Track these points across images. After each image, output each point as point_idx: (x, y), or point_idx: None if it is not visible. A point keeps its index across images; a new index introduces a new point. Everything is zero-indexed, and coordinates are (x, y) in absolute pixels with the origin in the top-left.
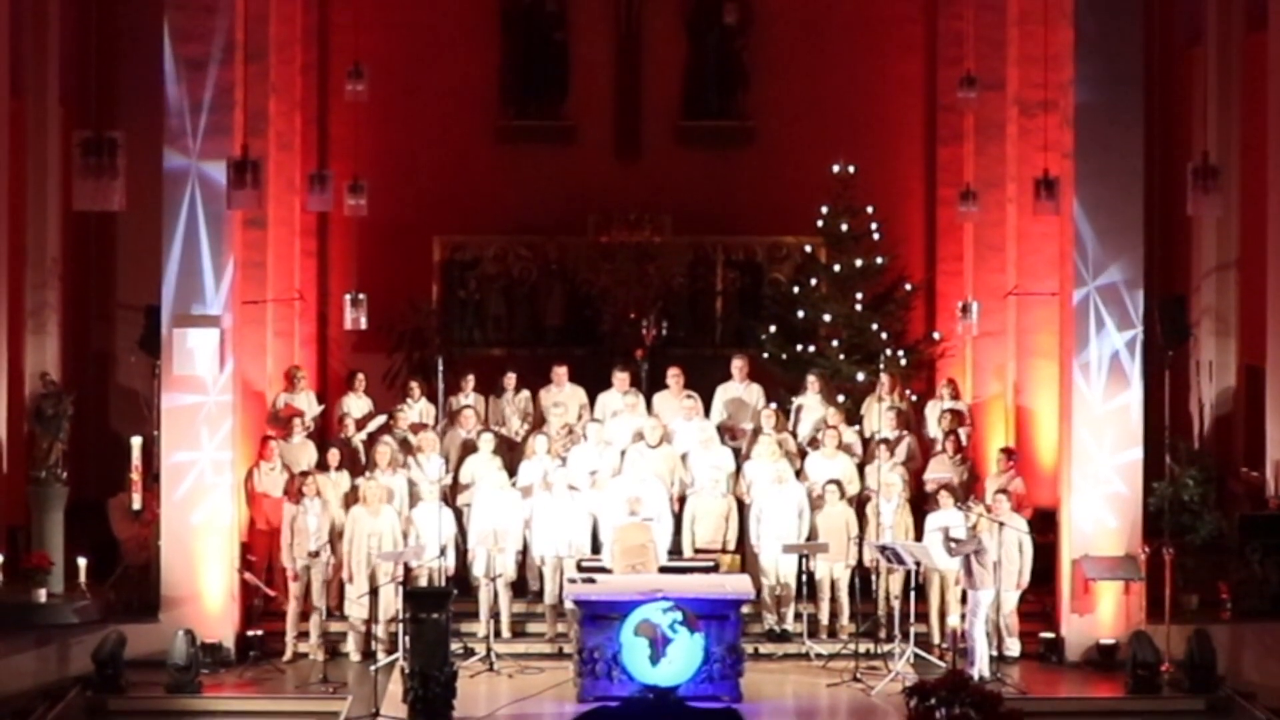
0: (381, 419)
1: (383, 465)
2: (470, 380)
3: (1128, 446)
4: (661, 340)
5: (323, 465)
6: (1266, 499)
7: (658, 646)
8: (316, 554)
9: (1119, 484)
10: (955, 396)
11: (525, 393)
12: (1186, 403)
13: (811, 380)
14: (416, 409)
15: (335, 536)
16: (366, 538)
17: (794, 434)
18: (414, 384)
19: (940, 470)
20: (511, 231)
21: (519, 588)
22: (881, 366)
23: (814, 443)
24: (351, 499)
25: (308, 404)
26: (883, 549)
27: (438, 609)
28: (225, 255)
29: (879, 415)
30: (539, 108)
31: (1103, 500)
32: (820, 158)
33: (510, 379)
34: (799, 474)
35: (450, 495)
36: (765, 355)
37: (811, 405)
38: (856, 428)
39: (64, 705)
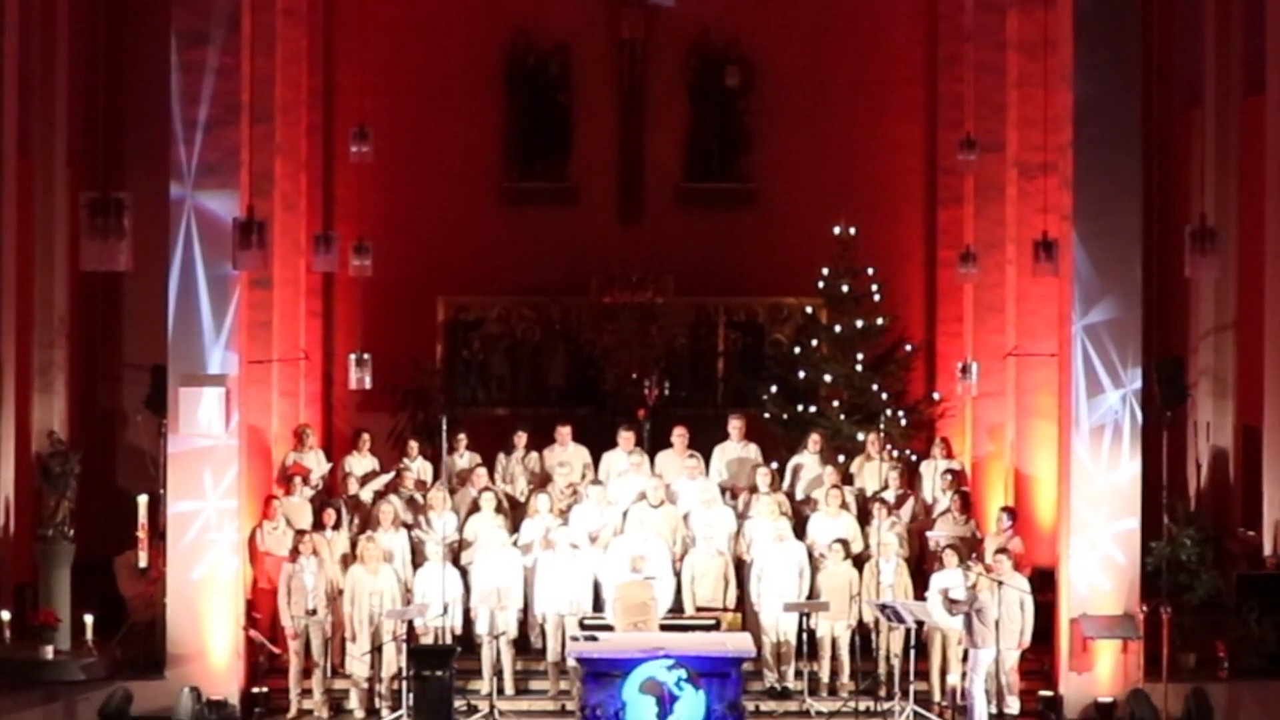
0: (386, 477)
1: (385, 524)
2: (463, 439)
3: (1126, 506)
4: (664, 400)
5: (319, 524)
6: (1263, 559)
7: (665, 704)
8: (314, 612)
9: (1117, 543)
10: (948, 456)
11: (534, 452)
12: (1184, 463)
13: (813, 439)
14: (415, 468)
15: (334, 595)
16: (368, 596)
17: (790, 494)
18: (412, 443)
19: (946, 529)
20: (515, 292)
21: (521, 645)
22: (881, 427)
23: (809, 502)
24: (350, 558)
25: (316, 462)
26: (883, 607)
27: (441, 666)
28: (231, 315)
29: (877, 472)
30: (542, 169)
31: (1101, 559)
32: (821, 219)
33: (520, 438)
34: (796, 533)
35: (455, 553)
36: (766, 415)
37: (810, 464)
38: (853, 488)
39: None
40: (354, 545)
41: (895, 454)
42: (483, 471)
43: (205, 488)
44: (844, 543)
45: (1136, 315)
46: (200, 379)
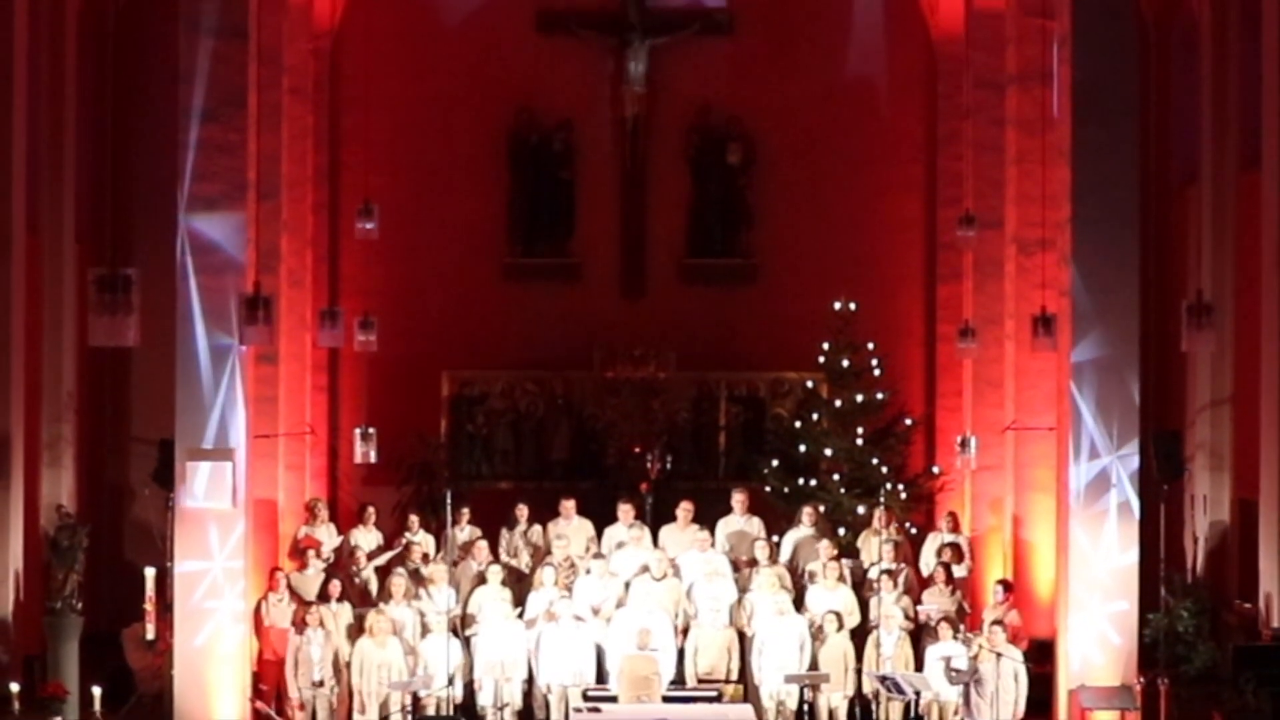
0: (394, 550)
1: (398, 597)
2: (466, 513)
3: (1124, 579)
4: (666, 474)
5: (324, 596)
6: (1260, 630)
7: None
8: (320, 683)
9: (1114, 615)
10: (955, 530)
11: (537, 526)
12: (1181, 536)
13: (808, 512)
14: (417, 541)
15: (341, 666)
16: (376, 668)
17: (791, 567)
18: (413, 517)
19: (933, 600)
20: (519, 367)
21: (526, 716)
22: (882, 500)
23: (809, 575)
24: (355, 630)
25: (327, 536)
26: (883, 679)
27: None
28: (237, 390)
29: (876, 548)
30: (546, 245)
31: (1099, 631)
32: (822, 295)
33: (523, 511)
34: (797, 606)
35: (459, 626)
36: (768, 489)
37: (808, 538)
38: (852, 560)
39: None
40: (360, 620)
41: (897, 527)
42: (483, 544)
43: (214, 571)
44: (838, 615)
45: (1134, 390)
46: (207, 453)
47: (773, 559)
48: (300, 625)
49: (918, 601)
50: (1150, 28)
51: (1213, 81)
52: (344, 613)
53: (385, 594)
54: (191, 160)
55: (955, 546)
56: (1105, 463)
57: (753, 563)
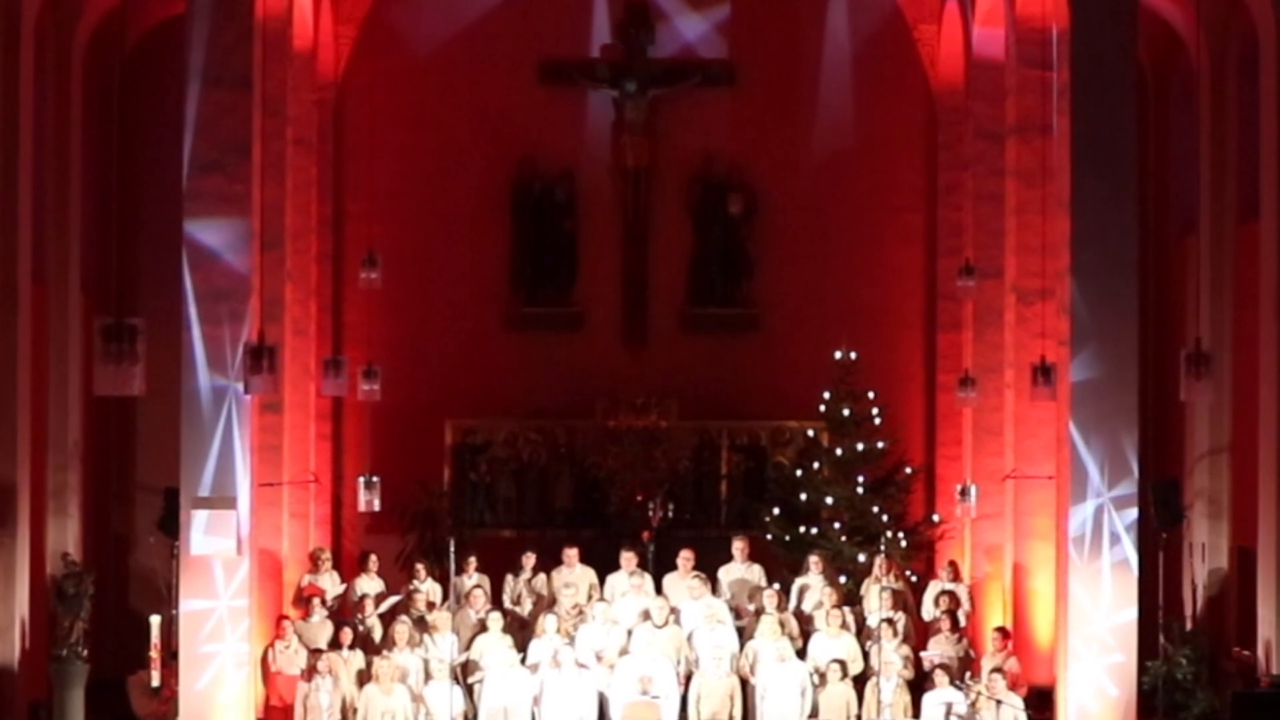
0: (397, 598)
1: (401, 644)
2: (473, 561)
3: (1123, 626)
4: (668, 522)
5: (335, 644)
6: (1258, 677)
7: None
8: None
9: (1116, 657)
10: (955, 578)
11: (541, 574)
12: (1180, 583)
13: (814, 560)
14: (424, 589)
15: (349, 713)
16: (381, 715)
17: (797, 614)
18: (420, 565)
19: (939, 648)
20: (521, 416)
21: None
22: (882, 548)
23: (812, 621)
24: (365, 677)
25: (331, 584)
26: None
27: None
28: (242, 439)
29: (877, 596)
30: (548, 295)
31: (1098, 678)
32: (823, 344)
33: (529, 559)
34: (801, 653)
35: (462, 673)
36: (769, 537)
37: (813, 585)
38: (854, 608)
39: None
40: (368, 665)
41: (898, 575)
42: (479, 592)
43: (219, 620)
44: (841, 663)
45: (1133, 438)
46: (212, 501)
47: (781, 607)
48: (310, 672)
49: (919, 649)
50: (1149, 79)
51: (1211, 133)
52: (355, 660)
53: (389, 641)
54: (196, 210)
55: (953, 594)
56: (1104, 511)
57: (758, 610)
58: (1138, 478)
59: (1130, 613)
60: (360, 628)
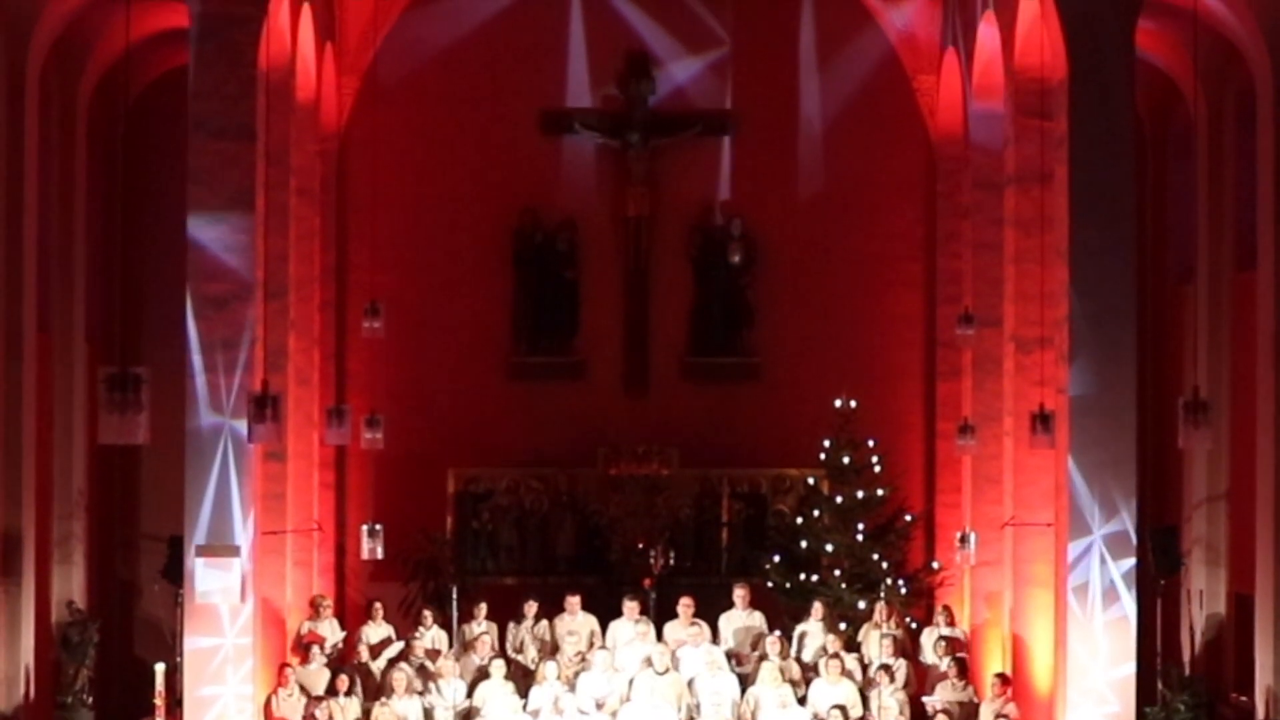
0: (399, 646)
1: (399, 691)
2: (483, 608)
3: (1121, 671)
4: (669, 569)
5: (333, 690)
6: None
7: None
8: None
9: (1113, 707)
10: (951, 623)
11: (544, 621)
12: (1178, 629)
13: (816, 607)
14: (429, 636)
15: None
16: None
17: (798, 660)
18: (426, 612)
19: (944, 694)
20: (524, 464)
21: None
22: (882, 595)
23: (814, 668)
24: None
25: (331, 631)
26: None
27: None
28: (246, 487)
29: (877, 642)
30: (550, 344)
31: None
32: (823, 393)
33: (531, 607)
34: (802, 700)
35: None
36: (770, 584)
37: (815, 632)
38: (855, 654)
39: None
40: (367, 714)
41: (898, 621)
42: (487, 639)
43: (223, 668)
44: (842, 709)
45: (1131, 486)
46: (216, 549)
47: (784, 653)
48: (308, 719)
49: (917, 694)
50: (1147, 129)
51: (1209, 182)
52: (351, 707)
53: (387, 688)
54: (200, 260)
55: (952, 640)
56: (1103, 557)
57: (761, 657)
58: (1136, 525)
59: (1129, 666)
60: (370, 676)
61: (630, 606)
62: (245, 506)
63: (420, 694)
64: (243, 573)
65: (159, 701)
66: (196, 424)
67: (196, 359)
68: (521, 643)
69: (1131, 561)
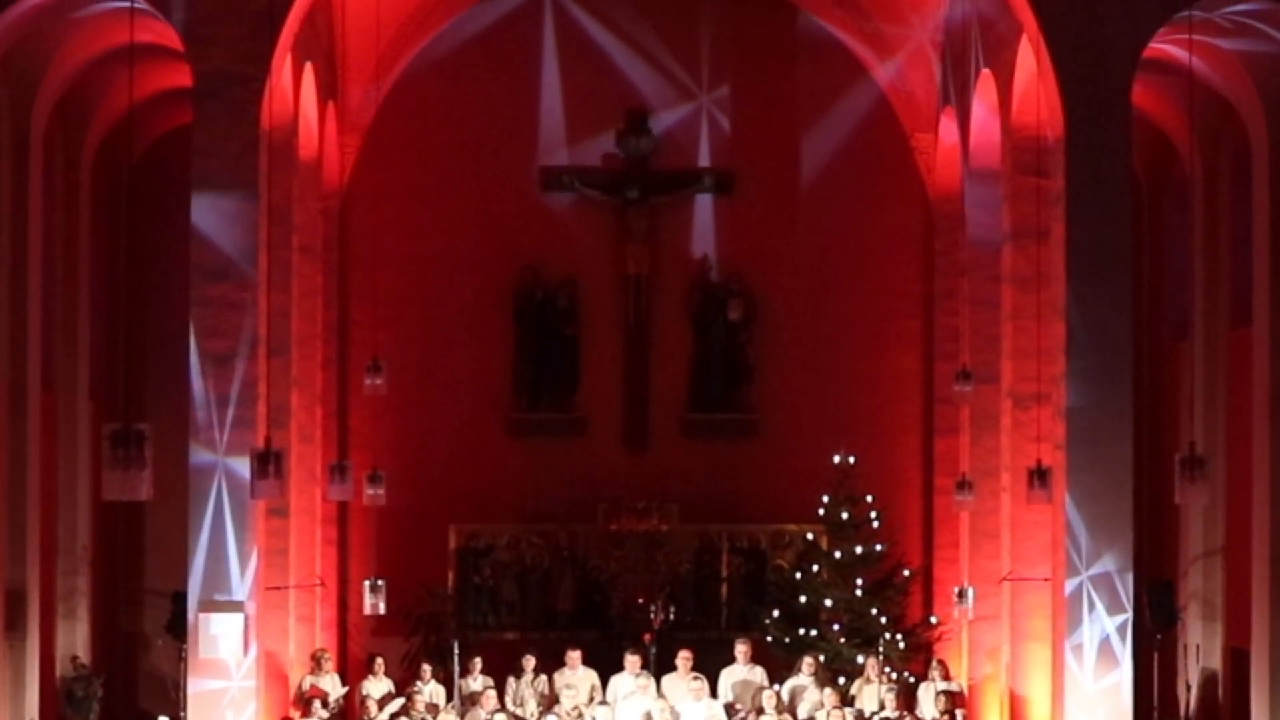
0: (400, 701)
1: None
2: (478, 663)
3: None
4: (669, 624)
5: None
6: None
7: None
8: None
9: None
10: (946, 677)
11: (543, 676)
12: (1174, 684)
13: (807, 662)
14: (428, 690)
15: None
16: None
17: (793, 714)
18: (426, 666)
19: None
20: (524, 520)
21: None
22: (881, 650)
23: None
24: None
25: (332, 685)
26: None
27: None
28: (249, 543)
29: (876, 694)
30: (551, 401)
31: None
32: (822, 449)
33: (529, 661)
34: None
35: None
36: (769, 639)
37: (808, 687)
38: (851, 709)
39: None
40: None
41: (893, 676)
42: (492, 694)
43: (230, 683)
44: None
45: (1128, 540)
46: (220, 605)
47: (779, 708)
48: None
49: None
50: (1143, 186)
51: (1205, 239)
52: None
53: None
54: (203, 317)
55: (953, 694)
56: (1099, 612)
57: (760, 711)
58: (1132, 579)
59: (1126, 711)
60: None
61: (631, 661)
62: (248, 562)
63: None
64: (246, 628)
65: None
66: (200, 480)
67: (200, 415)
68: (521, 697)
69: (1128, 616)
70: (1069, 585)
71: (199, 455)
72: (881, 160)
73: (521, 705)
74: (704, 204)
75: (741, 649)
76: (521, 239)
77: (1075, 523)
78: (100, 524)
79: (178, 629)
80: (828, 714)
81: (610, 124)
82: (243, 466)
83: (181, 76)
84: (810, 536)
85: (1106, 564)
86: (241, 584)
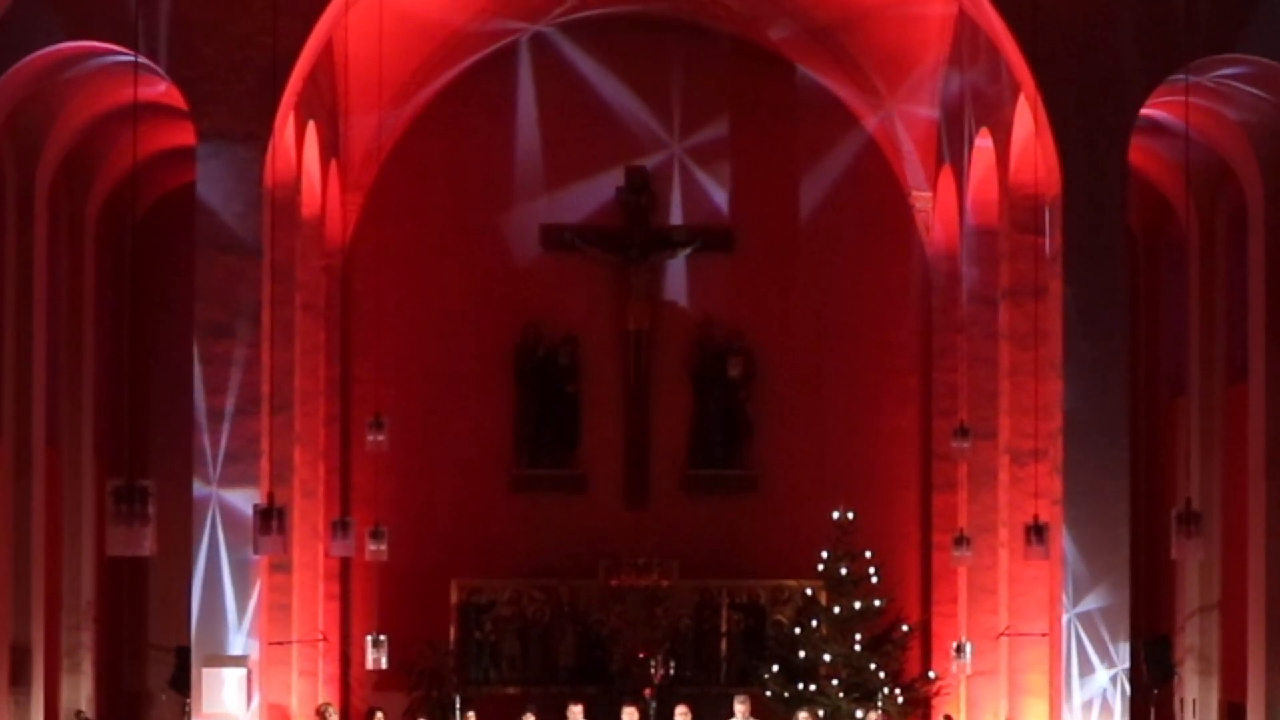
0: None
1: None
2: (471, 717)
3: None
4: (669, 679)
5: None
6: None
7: None
8: None
9: None
10: None
11: None
12: None
13: (803, 716)
14: None
15: None
16: None
17: None
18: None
19: None
20: (526, 575)
21: None
22: (880, 705)
23: None
24: None
25: None
26: None
27: None
28: (252, 598)
29: None
30: (552, 457)
31: None
32: (821, 505)
33: (530, 717)
34: None
35: None
36: (768, 694)
37: None
38: None
39: None
40: None
41: None
42: None
43: None
44: None
45: (1124, 595)
46: (223, 660)
47: None
48: None
49: None
50: (1140, 244)
51: (1200, 297)
52: None
53: None
54: (207, 374)
55: None
56: (1097, 667)
57: None
58: (1129, 634)
59: None
60: None
61: (629, 713)
62: (251, 617)
63: None
64: (249, 682)
65: None
66: (203, 536)
67: (203, 471)
68: None
69: (1125, 670)
70: (1066, 640)
71: (203, 511)
72: (880, 218)
73: None
74: (704, 262)
75: (741, 706)
76: (523, 296)
77: (1072, 578)
78: (104, 579)
79: (181, 684)
80: None
81: (611, 182)
82: (246, 522)
83: (185, 135)
84: (809, 592)
85: (1103, 619)
86: (244, 639)
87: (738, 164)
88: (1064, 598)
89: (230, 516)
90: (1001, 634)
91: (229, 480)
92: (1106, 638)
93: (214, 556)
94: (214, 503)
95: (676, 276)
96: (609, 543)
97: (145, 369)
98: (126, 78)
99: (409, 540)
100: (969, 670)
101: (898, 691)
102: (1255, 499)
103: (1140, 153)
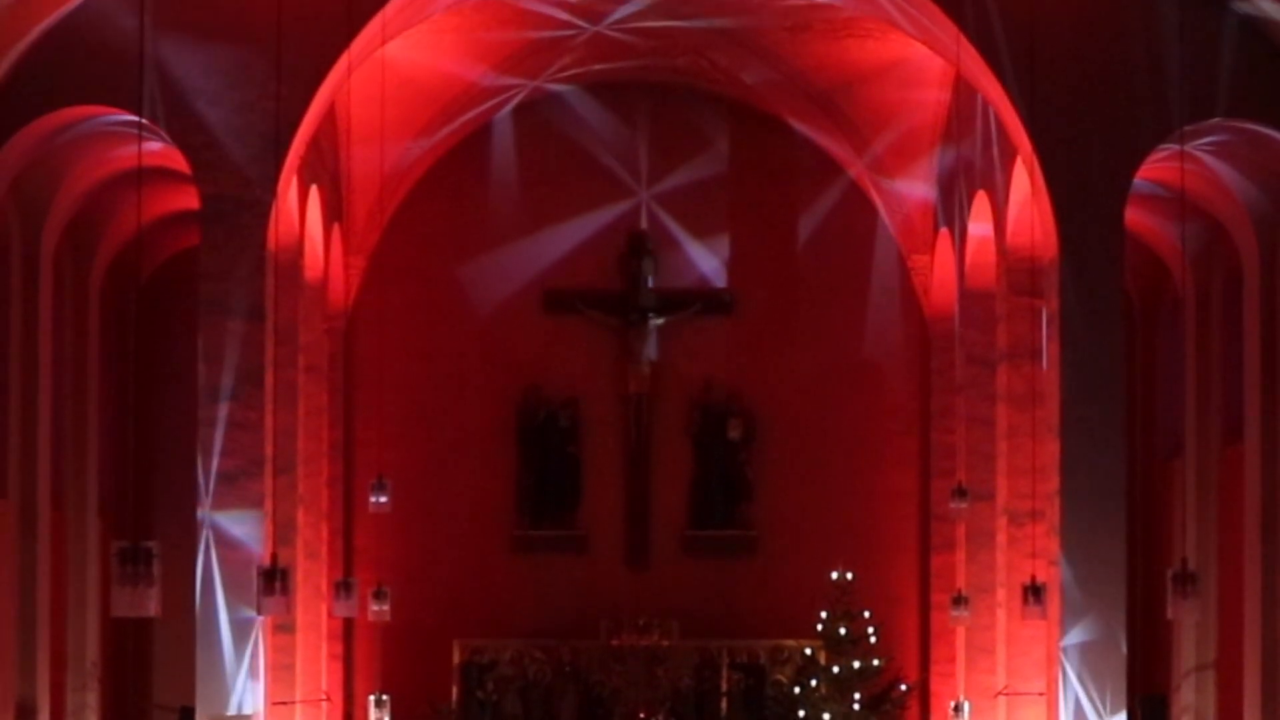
0: None
1: None
2: None
3: None
4: None
5: None
6: None
7: None
8: None
9: None
10: None
11: None
12: None
13: None
14: None
15: None
16: None
17: None
18: None
19: None
20: (527, 635)
21: None
22: None
23: None
24: None
25: None
26: None
27: None
28: (256, 658)
29: None
30: (553, 518)
31: None
32: (820, 565)
33: None
34: None
35: None
36: None
37: None
38: None
39: None
40: None
41: None
42: None
43: None
44: None
45: (1121, 656)
46: None
47: None
48: None
49: None
50: (1136, 306)
51: (1196, 359)
52: None
53: None
54: (210, 436)
55: None
56: None
57: None
58: (1126, 694)
59: None
60: None
61: None
62: (255, 677)
63: None
64: None
65: None
66: (207, 597)
67: (207, 533)
68: None
69: None
70: (1064, 700)
71: (207, 572)
72: (879, 281)
73: None
74: (705, 324)
75: None
76: (524, 359)
77: (1070, 638)
78: (109, 640)
79: None
80: None
81: (612, 245)
82: (249, 583)
83: (189, 199)
84: (809, 651)
85: (1100, 678)
86: (248, 699)
87: (737, 227)
88: (1061, 657)
89: (234, 577)
90: (999, 693)
91: (232, 541)
92: (1103, 697)
93: (217, 617)
94: (217, 563)
95: (676, 339)
96: (610, 603)
97: (149, 431)
98: (130, 142)
99: (411, 600)
100: None
101: None
102: (1251, 559)
103: (1136, 216)
